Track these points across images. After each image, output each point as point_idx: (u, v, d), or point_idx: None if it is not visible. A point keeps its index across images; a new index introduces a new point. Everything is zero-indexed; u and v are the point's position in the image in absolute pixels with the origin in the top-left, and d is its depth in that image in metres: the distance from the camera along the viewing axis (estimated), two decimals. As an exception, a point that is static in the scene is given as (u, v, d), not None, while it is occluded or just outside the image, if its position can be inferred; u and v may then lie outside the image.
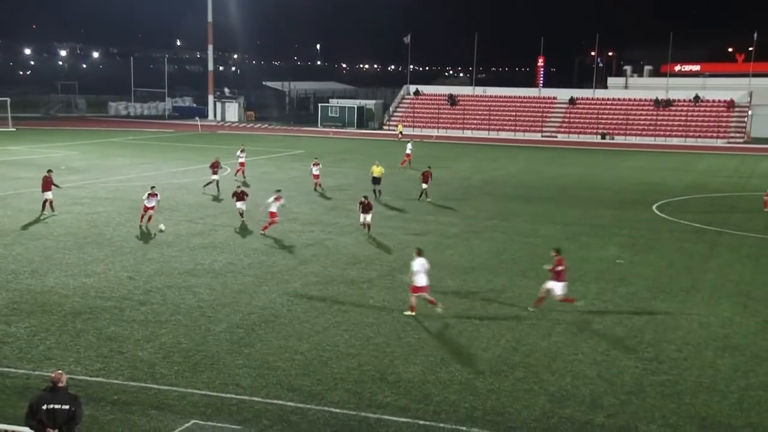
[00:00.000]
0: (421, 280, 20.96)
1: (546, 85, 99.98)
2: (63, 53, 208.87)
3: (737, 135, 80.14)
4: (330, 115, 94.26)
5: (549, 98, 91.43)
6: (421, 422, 14.46)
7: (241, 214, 33.10)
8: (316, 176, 44.10)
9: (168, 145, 69.31)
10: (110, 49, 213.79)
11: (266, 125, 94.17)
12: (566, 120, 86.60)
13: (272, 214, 31.22)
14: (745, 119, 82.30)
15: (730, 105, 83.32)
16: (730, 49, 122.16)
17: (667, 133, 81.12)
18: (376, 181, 41.72)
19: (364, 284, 24.08)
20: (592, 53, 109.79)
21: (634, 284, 24.66)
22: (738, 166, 60.81)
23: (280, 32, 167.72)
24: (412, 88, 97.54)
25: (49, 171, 35.01)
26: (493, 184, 48.16)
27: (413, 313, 20.90)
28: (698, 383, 16.69)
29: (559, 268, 21.25)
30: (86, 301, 21.56)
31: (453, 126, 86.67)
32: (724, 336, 19.88)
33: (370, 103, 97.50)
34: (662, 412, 15.19)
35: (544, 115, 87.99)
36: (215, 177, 41.77)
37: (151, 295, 22.28)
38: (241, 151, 49.23)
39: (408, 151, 56.77)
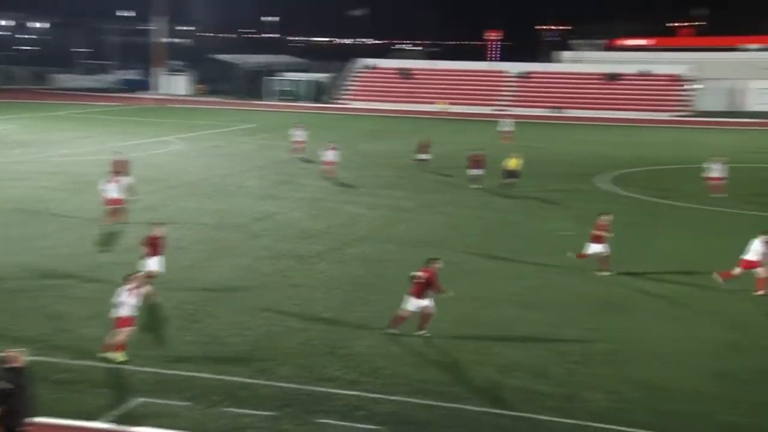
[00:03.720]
0: (125, 311, 15.80)
1: (501, 58, 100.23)
2: (2, 23, 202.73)
3: (683, 108, 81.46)
4: (283, 88, 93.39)
5: (502, 72, 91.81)
6: (371, 395, 14.55)
7: (150, 276, 19.48)
8: (330, 163, 38.85)
9: (114, 119, 68.09)
10: (54, 19, 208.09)
11: (218, 99, 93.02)
12: (519, 93, 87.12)
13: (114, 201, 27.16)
14: (691, 93, 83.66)
15: (677, 79, 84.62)
16: (677, 24, 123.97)
17: (617, 106, 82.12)
18: (509, 174, 36.67)
19: (314, 258, 24.04)
20: (546, 27, 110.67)
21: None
22: (684, 139, 61.83)
23: (232, 4, 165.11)
24: (366, 61, 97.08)
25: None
26: (447, 158, 48.18)
27: (117, 356, 15.65)
28: (640, 350, 17.09)
29: (431, 277, 17.64)
30: (30, 278, 21.17)
31: (407, 100, 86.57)
32: (665, 304, 20.35)
33: (323, 77, 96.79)
34: (606, 380, 15.53)
35: (497, 88, 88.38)
36: (425, 156, 42.31)
37: (98, 271, 21.95)
38: (298, 129, 47.18)
39: (508, 129, 56.60)
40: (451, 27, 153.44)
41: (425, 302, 17.52)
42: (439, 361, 16.39)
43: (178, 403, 13.97)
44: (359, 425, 13.47)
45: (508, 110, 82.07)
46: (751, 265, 21.22)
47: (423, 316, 17.59)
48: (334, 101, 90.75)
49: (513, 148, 45.32)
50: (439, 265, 17.87)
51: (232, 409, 13.82)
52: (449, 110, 78.00)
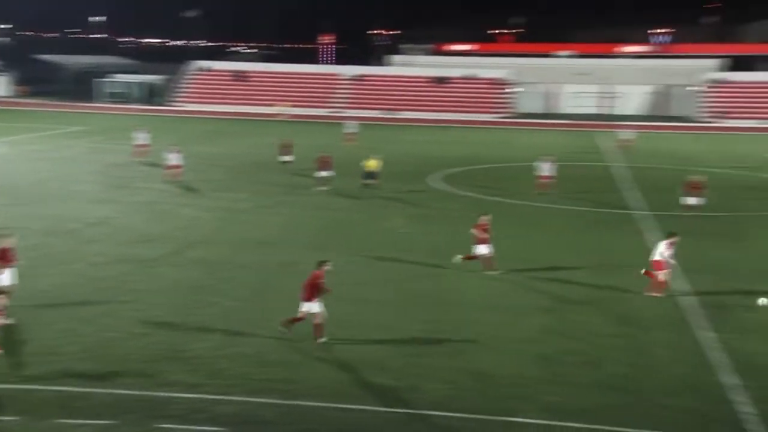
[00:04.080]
0: None
1: (335, 62, 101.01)
2: None
3: (505, 110, 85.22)
4: (114, 90, 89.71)
5: (336, 74, 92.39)
6: (213, 397, 14.28)
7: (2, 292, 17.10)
8: (174, 167, 37.47)
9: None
10: None
11: (42, 100, 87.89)
12: (353, 96, 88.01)
13: None
14: (512, 96, 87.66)
15: (499, 82, 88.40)
16: (497, 31, 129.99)
17: (446, 108, 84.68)
18: (369, 175, 36.88)
19: (153, 263, 23.30)
20: (377, 32, 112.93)
21: (419, 252, 25.55)
22: (508, 139, 64.60)
23: (55, 2, 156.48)
24: (200, 63, 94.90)
25: None
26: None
27: None
28: (472, 341, 17.71)
29: (319, 280, 17.17)
30: None
31: (243, 102, 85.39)
32: (494, 295, 21.18)
33: (156, 79, 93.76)
34: (442, 371, 16.01)
35: (332, 91, 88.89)
36: (288, 158, 42.00)
37: None
38: (141, 132, 44.62)
39: (352, 130, 56.71)
40: (286, 30, 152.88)
41: (316, 306, 17.10)
42: (281, 359, 16.30)
43: (6, 419, 13.13)
44: (200, 428, 13.18)
45: (343, 112, 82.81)
46: (659, 266, 21.21)
47: (314, 325, 17.22)
48: (168, 103, 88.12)
49: (357, 149, 45.84)
50: (327, 267, 17.66)
51: (66, 421, 13.15)
52: (290, 112, 77.80)
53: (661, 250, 21.26)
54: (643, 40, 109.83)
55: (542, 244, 27.37)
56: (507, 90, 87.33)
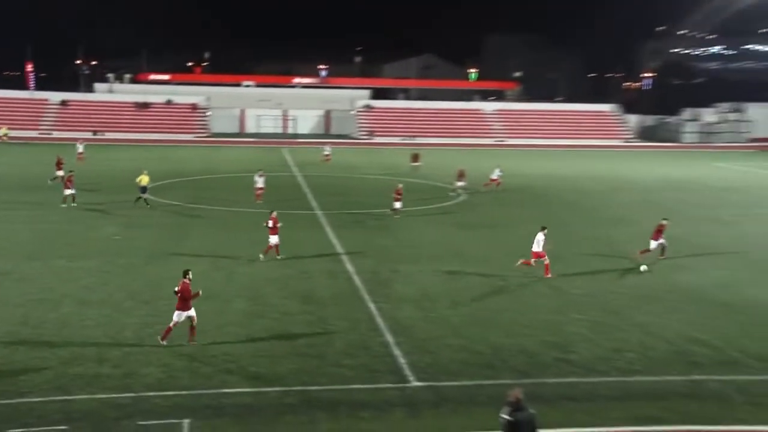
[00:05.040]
0: None
1: (38, 88, 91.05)
2: None
3: (202, 131, 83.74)
4: None
5: (42, 100, 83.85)
6: (-71, 409, 12.29)
7: None
8: None
9: None
10: None
11: None
12: (61, 119, 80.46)
13: None
14: (206, 118, 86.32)
15: (195, 107, 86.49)
16: (190, 63, 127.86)
17: (149, 129, 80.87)
18: (143, 190, 33.82)
19: None
20: (79, 61, 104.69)
21: (131, 255, 24.21)
22: (205, 155, 63.34)
23: None
24: None
25: None
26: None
27: None
28: (184, 327, 17.16)
29: (185, 288, 16.15)
30: None
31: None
32: (200, 288, 20.58)
33: None
34: (157, 357, 15.43)
35: (39, 114, 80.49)
36: (60, 173, 38.29)
37: None
38: None
39: (81, 150, 52.32)
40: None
41: (191, 312, 16.17)
42: (2, 361, 14.50)
43: None
44: None
45: (52, 134, 75.44)
46: (539, 255, 22.09)
47: (190, 328, 16.18)
48: None
49: (88, 165, 41.77)
50: (190, 275, 16.53)
51: None
52: (9, 134, 69.16)
53: (539, 241, 22.19)
54: (312, 73, 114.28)
55: (244, 242, 26.99)
56: (202, 113, 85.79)
